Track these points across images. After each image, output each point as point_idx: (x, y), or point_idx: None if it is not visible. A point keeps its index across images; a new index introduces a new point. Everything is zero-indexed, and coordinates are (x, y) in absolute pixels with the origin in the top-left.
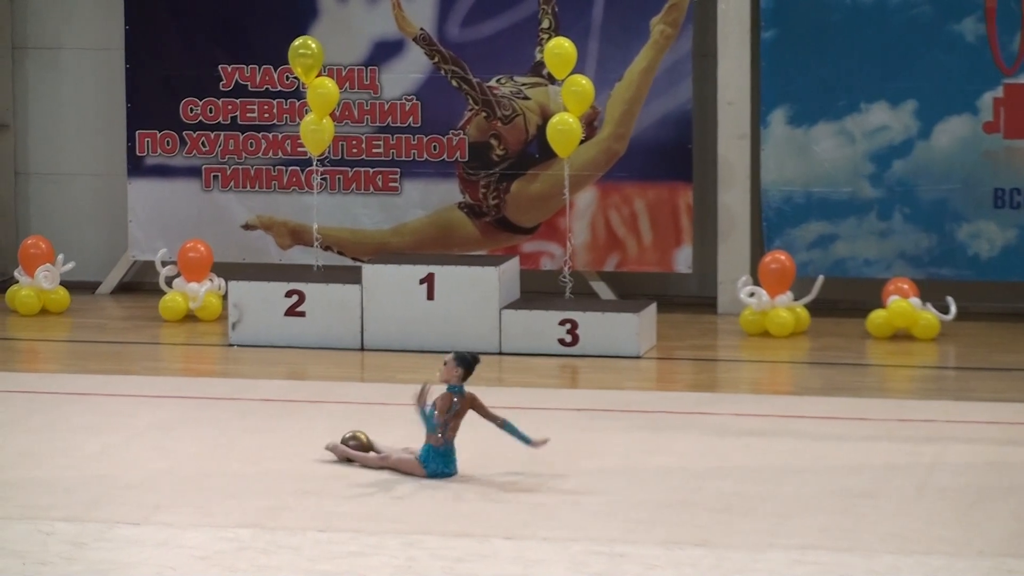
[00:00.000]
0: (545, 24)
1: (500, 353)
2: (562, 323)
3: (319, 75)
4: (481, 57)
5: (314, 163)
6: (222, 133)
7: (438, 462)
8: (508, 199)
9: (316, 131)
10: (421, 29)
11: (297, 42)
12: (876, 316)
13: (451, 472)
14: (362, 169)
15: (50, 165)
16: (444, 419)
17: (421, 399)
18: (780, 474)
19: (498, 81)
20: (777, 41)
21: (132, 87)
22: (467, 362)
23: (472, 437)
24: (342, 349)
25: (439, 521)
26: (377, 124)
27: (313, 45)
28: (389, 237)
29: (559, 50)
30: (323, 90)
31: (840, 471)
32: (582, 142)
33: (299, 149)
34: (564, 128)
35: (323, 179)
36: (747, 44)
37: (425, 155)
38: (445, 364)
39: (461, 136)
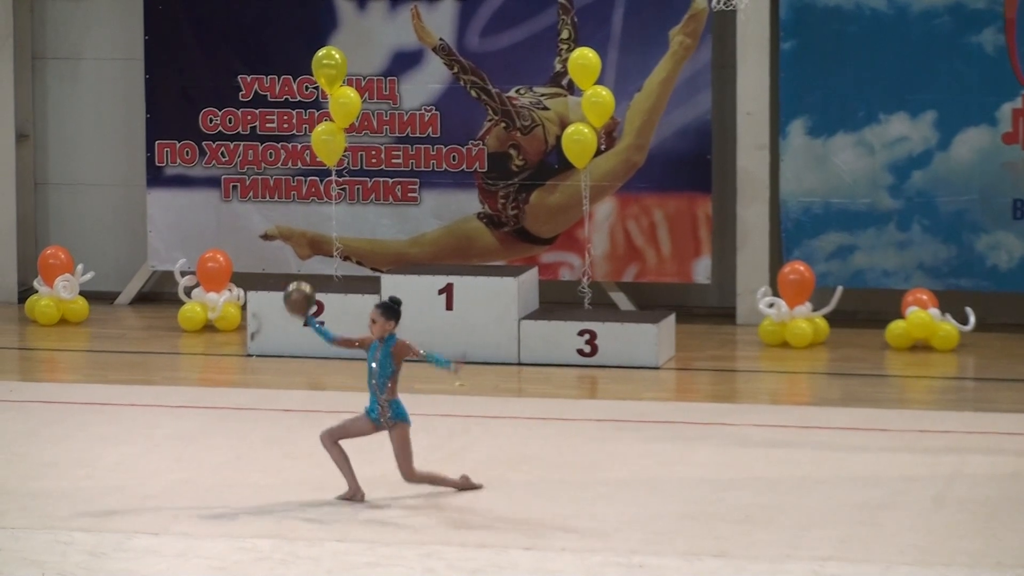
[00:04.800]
0: (564, 35)
1: (519, 364)
2: (581, 333)
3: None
4: (500, 67)
5: (332, 173)
6: (241, 143)
7: (401, 408)
8: (527, 209)
9: (328, 141)
10: (440, 39)
11: (321, 52)
12: (895, 327)
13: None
14: (381, 179)
15: (69, 175)
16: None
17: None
18: (799, 485)
19: (517, 91)
20: (796, 52)
21: (151, 97)
22: (396, 312)
23: (490, 445)
24: (361, 360)
25: (457, 532)
26: (396, 134)
27: (337, 56)
28: (408, 247)
29: (583, 61)
30: (345, 100)
31: (859, 482)
32: (601, 153)
33: (318, 160)
34: (579, 139)
35: (342, 189)
36: (766, 55)
37: (444, 165)
38: (375, 322)
39: (480, 146)
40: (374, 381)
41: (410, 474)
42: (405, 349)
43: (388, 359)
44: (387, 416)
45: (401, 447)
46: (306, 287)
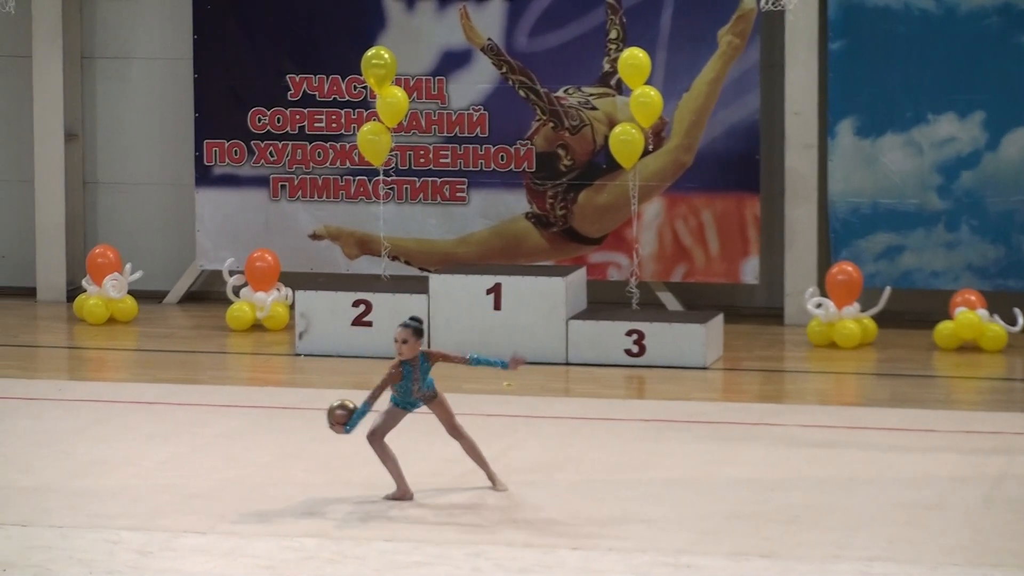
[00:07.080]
0: (613, 35)
1: (567, 363)
2: (629, 333)
3: None
4: (549, 67)
5: (380, 173)
6: (290, 143)
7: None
8: (575, 209)
9: (374, 141)
10: (489, 39)
11: (370, 52)
12: (943, 328)
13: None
14: (429, 179)
15: (118, 175)
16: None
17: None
18: (847, 486)
19: (566, 91)
20: (845, 52)
21: (200, 97)
22: (420, 330)
23: (537, 445)
24: None
25: (504, 531)
26: (444, 134)
27: (386, 55)
28: (456, 247)
29: (633, 61)
30: (392, 99)
31: (907, 483)
32: (649, 153)
33: (366, 159)
34: (627, 139)
35: (390, 189)
36: (815, 55)
37: (492, 165)
38: (407, 342)
39: (528, 146)
40: (424, 392)
41: (456, 431)
42: (443, 357)
43: (428, 373)
44: (425, 393)
45: (445, 410)
46: (349, 404)
